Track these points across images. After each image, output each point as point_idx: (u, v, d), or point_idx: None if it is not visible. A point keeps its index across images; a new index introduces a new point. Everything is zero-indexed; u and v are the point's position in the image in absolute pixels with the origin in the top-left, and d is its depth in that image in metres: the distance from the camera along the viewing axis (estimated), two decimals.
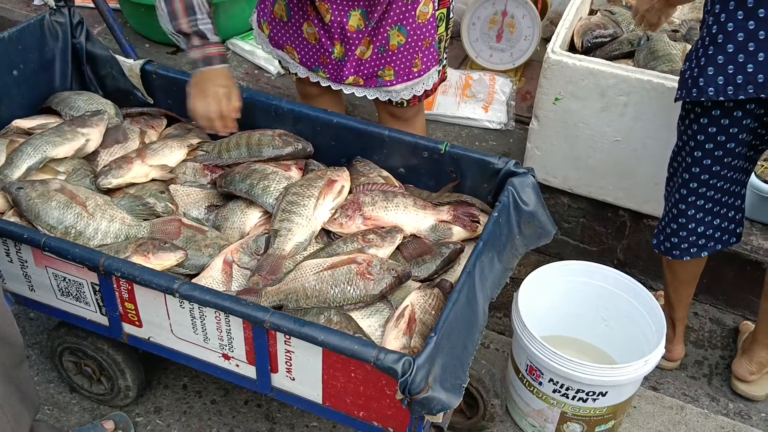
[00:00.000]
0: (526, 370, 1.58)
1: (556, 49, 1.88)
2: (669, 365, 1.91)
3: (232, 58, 2.61)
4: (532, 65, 2.54)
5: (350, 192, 1.63)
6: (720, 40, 1.33)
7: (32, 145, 1.58)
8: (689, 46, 1.97)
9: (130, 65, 1.82)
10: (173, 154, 1.68)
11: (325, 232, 1.58)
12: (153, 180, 1.65)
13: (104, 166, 1.62)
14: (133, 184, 1.60)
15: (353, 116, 2.31)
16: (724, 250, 1.66)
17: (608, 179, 2.00)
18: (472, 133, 2.35)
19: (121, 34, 1.87)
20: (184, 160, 1.70)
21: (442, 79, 1.92)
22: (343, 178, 1.62)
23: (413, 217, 1.57)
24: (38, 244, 1.34)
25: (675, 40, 2.01)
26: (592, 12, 2.28)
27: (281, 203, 1.56)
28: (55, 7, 1.82)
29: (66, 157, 1.62)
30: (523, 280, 1.64)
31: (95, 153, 1.69)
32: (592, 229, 2.17)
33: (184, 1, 1.55)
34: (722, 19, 1.33)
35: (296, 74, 1.86)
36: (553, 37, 1.93)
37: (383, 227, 1.54)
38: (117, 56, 1.85)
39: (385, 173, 1.69)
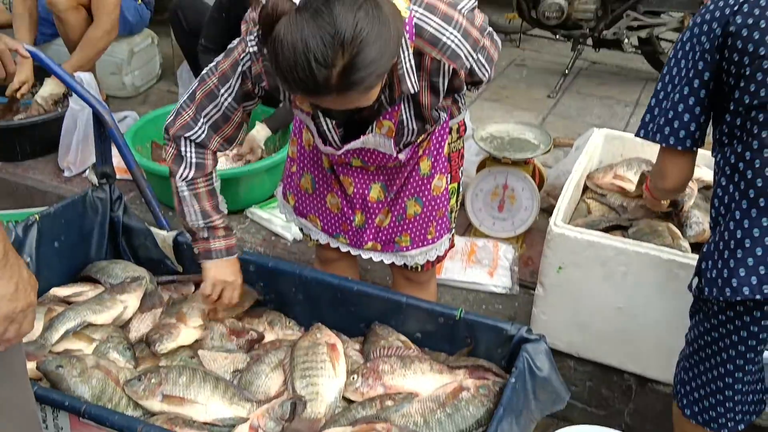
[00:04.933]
0: None
1: (558, 223, 2.04)
2: None
3: (250, 226, 2.76)
4: (533, 232, 2.70)
5: (368, 357, 1.71)
6: (748, 245, 1.44)
7: (74, 310, 1.69)
8: (671, 226, 2.13)
9: (164, 236, 1.96)
10: (203, 316, 1.77)
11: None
12: (181, 346, 1.74)
13: (155, 333, 1.70)
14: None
15: (366, 280, 2.44)
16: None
17: (612, 344, 2.09)
18: (478, 297, 2.47)
19: (157, 208, 2.03)
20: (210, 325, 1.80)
21: (451, 246, 2.06)
22: (333, 338, 1.73)
23: (431, 381, 1.64)
24: (78, 411, 1.40)
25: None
26: (585, 189, 2.46)
27: (295, 372, 1.64)
28: (97, 184, 1.99)
29: (103, 324, 1.71)
30: None
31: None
32: (599, 393, 2.23)
33: (214, 203, 1.73)
34: (746, 225, 1.45)
35: (317, 240, 2.00)
36: (555, 211, 2.09)
37: (400, 393, 1.61)
38: (151, 227, 1.99)
39: (403, 338, 1.78)
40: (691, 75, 1.53)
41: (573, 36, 4.09)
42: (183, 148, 1.66)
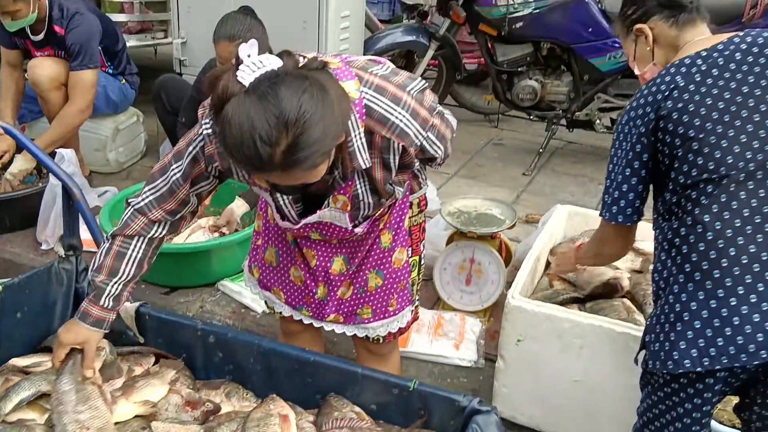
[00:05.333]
0: None
1: (515, 296, 2.08)
2: None
3: (221, 298, 2.79)
4: (500, 306, 2.71)
5: (321, 429, 1.71)
6: (686, 318, 1.48)
7: (30, 380, 1.69)
8: (626, 301, 2.17)
9: (126, 308, 1.98)
10: (156, 390, 1.78)
11: None
12: (136, 416, 1.74)
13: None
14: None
15: (331, 352, 2.45)
16: None
17: (572, 418, 2.09)
18: (443, 370, 2.47)
19: None
20: (166, 396, 1.80)
21: (415, 318, 2.09)
22: (286, 409, 1.73)
23: None
24: None
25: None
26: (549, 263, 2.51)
27: None
28: (63, 255, 2.03)
29: None
30: None
31: None
32: None
33: (113, 264, 1.72)
34: (684, 299, 1.50)
35: (281, 313, 2.03)
36: (513, 284, 2.13)
37: None
38: None
39: (357, 409, 1.78)
40: (630, 157, 1.63)
41: (547, 117, 4.23)
42: (126, 211, 1.72)
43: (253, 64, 1.30)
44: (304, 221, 1.70)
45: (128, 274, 1.73)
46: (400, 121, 1.54)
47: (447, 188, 3.93)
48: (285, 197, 1.66)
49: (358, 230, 1.75)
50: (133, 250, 1.73)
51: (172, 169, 1.66)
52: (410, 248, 1.95)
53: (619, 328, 1.94)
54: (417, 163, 1.74)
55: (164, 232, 1.75)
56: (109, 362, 1.87)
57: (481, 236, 2.65)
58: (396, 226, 1.89)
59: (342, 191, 1.64)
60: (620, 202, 1.68)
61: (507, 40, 3.99)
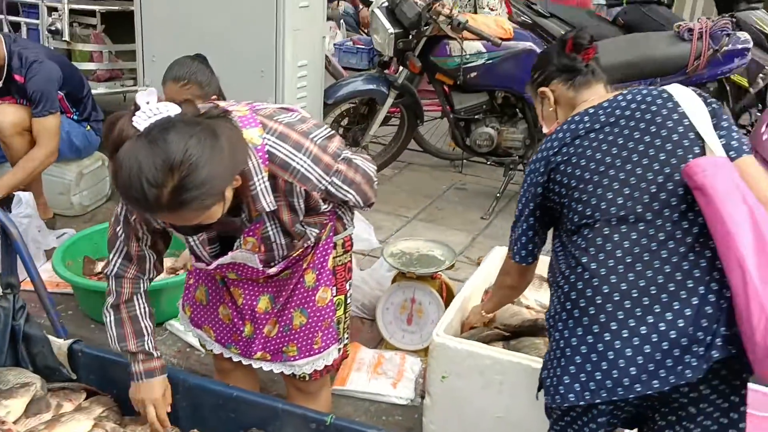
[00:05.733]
0: None
1: (440, 333, 2.15)
2: None
3: (167, 338, 2.85)
4: None
5: None
6: (569, 353, 1.57)
7: None
8: (547, 339, 2.25)
9: (60, 345, 2.05)
10: (80, 425, 1.83)
11: None
12: None
13: None
14: None
15: (269, 391, 2.50)
16: None
17: None
18: (380, 408, 2.53)
19: (56, 317, 2.13)
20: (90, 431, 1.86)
21: (344, 356, 2.15)
22: None
23: None
24: None
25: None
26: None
27: None
28: (1, 294, 2.10)
29: None
30: None
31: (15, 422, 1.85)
32: None
33: (134, 328, 1.85)
34: (566, 335, 1.59)
35: (212, 350, 2.09)
36: (440, 322, 2.21)
37: None
38: (49, 336, 2.08)
39: None
40: (531, 206, 1.79)
41: (504, 162, 4.35)
42: (108, 282, 1.84)
43: (150, 110, 1.40)
44: (216, 262, 1.78)
45: (150, 327, 1.87)
46: (301, 166, 1.64)
47: (405, 231, 4.02)
48: (196, 239, 1.75)
49: (271, 271, 1.83)
50: (140, 308, 1.87)
51: (118, 232, 1.78)
52: (335, 287, 2.02)
53: (535, 364, 2.01)
54: (328, 206, 1.82)
55: (149, 282, 1.88)
56: (38, 397, 1.92)
57: (422, 277, 2.73)
58: (320, 265, 1.97)
59: (250, 233, 1.73)
60: (517, 243, 1.85)
61: (463, 89, 4.13)
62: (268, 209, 1.65)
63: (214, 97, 2.51)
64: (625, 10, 4.83)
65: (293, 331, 1.98)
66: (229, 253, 1.76)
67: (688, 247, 1.54)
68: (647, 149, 1.63)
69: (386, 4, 4.05)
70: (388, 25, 3.91)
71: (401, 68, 4.12)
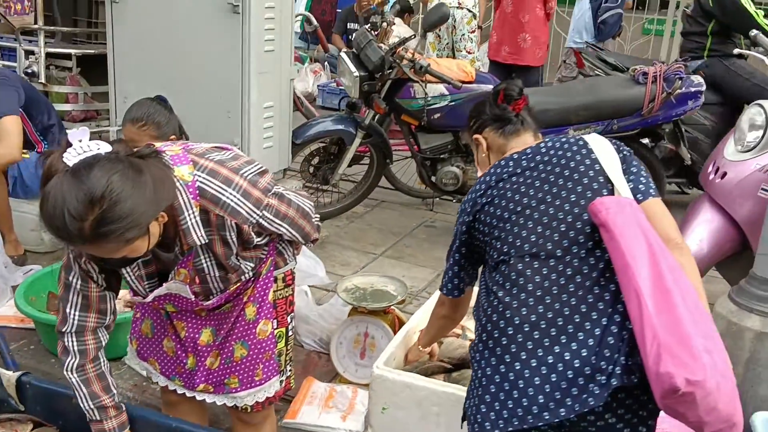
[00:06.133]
0: None
1: (380, 365, 2.22)
2: None
3: (125, 372, 2.90)
4: None
5: None
6: (484, 383, 1.65)
7: None
8: None
9: (9, 377, 2.11)
10: None
11: None
12: None
13: None
14: None
15: (220, 424, 2.56)
16: None
17: None
18: None
19: (5, 350, 2.20)
20: None
21: (287, 388, 2.21)
22: None
23: None
24: None
25: None
26: None
27: None
28: None
29: None
30: None
31: None
32: None
33: (102, 384, 1.90)
34: (483, 365, 1.67)
35: (158, 383, 2.16)
36: (381, 356, 2.27)
37: None
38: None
39: None
40: (457, 244, 1.91)
41: None
42: (66, 341, 1.86)
43: (80, 148, 1.50)
44: (152, 294, 1.86)
45: (113, 381, 1.94)
46: (231, 200, 1.73)
47: (371, 267, 4.10)
48: (131, 273, 1.83)
49: (207, 303, 1.91)
50: (104, 363, 1.92)
51: (72, 281, 1.81)
52: (275, 320, 2.10)
53: None
54: (263, 240, 1.90)
55: (107, 334, 1.93)
56: None
57: (374, 311, 2.80)
58: (260, 299, 2.04)
59: (183, 265, 1.81)
60: (445, 277, 1.97)
61: (428, 130, 4.25)
62: (198, 243, 1.74)
63: (173, 137, 2.61)
64: (707, 63, 4.74)
65: (234, 363, 2.04)
66: (164, 285, 1.84)
67: (593, 281, 1.63)
68: (560, 191, 1.74)
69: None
70: (353, 68, 4.05)
71: (368, 109, 4.24)
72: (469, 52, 7.04)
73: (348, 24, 8.49)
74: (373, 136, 4.35)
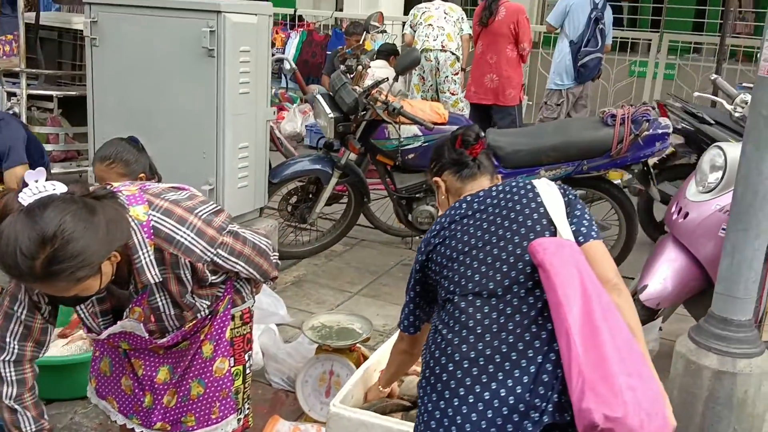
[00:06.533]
0: None
1: (336, 403, 2.24)
2: None
3: (90, 411, 2.91)
4: None
5: None
6: (426, 418, 1.70)
7: None
8: None
9: None
10: None
11: None
12: None
13: None
14: None
15: None
16: None
17: None
18: None
19: None
20: None
21: (245, 426, 2.23)
22: None
23: None
24: None
25: None
26: None
27: None
28: None
29: None
30: None
31: None
32: None
33: (38, 411, 1.89)
34: (426, 401, 1.72)
35: (116, 421, 2.17)
36: (338, 393, 2.30)
37: None
38: None
39: None
40: (412, 282, 1.97)
41: None
42: (3, 370, 1.86)
43: (36, 188, 1.55)
44: (107, 332, 1.89)
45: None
46: (185, 239, 1.78)
47: (346, 306, 4.13)
48: (85, 311, 1.86)
49: (163, 340, 1.94)
50: (38, 390, 1.92)
51: (16, 311, 1.83)
52: (233, 358, 2.13)
53: None
54: (218, 278, 1.95)
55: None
56: None
57: (339, 349, 2.83)
58: (217, 336, 2.08)
59: (137, 303, 1.85)
60: (403, 314, 2.02)
61: (403, 169, 4.33)
62: (152, 281, 1.78)
63: (143, 175, 2.66)
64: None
65: (191, 402, 2.07)
66: (118, 323, 1.88)
67: (531, 319, 1.68)
68: (506, 233, 1.80)
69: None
70: (328, 110, 4.13)
71: (345, 149, 4.32)
72: (452, 93, 7.19)
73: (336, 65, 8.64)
74: (350, 175, 4.43)
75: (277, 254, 2.14)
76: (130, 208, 1.75)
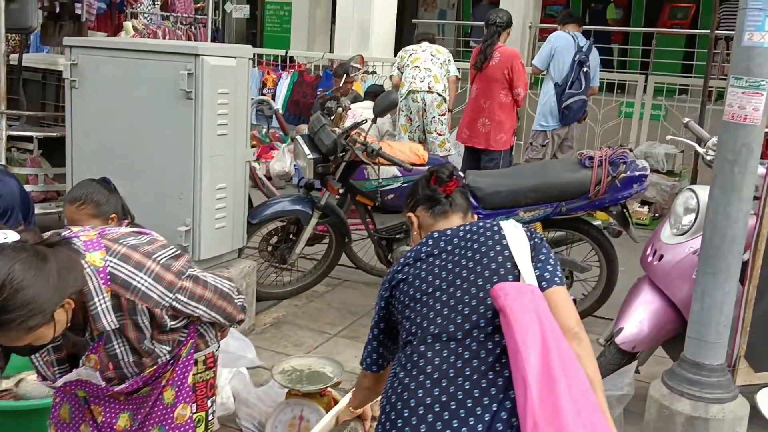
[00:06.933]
0: None
1: None
2: None
3: None
4: None
5: None
6: None
7: None
8: None
9: None
10: None
11: None
12: None
13: None
14: None
15: None
16: None
17: None
18: None
19: None
20: None
21: None
22: None
23: None
24: None
25: None
26: None
27: None
28: None
29: None
30: None
31: None
32: None
33: None
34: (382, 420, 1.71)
35: None
36: (313, 430, 2.26)
37: None
38: None
39: None
40: (376, 319, 1.97)
41: None
42: None
43: None
44: (62, 380, 1.86)
45: None
46: (142, 284, 1.76)
47: (324, 348, 4.09)
48: (40, 359, 1.84)
49: (121, 387, 1.91)
50: None
51: None
52: (195, 404, 2.09)
53: None
54: (178, 323, 1.92)
55: None
56: None
57: (309, 394, 2.79)
58: (179, 382, 2.05)
59: (93, 350, 1.82)
60: (365, 352, 2.02)
61: (383, 210, 4.33)
62: (108, 328, 1.76)
63: (114, 216, 2.65)
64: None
65: None
66: (74, 371, 1.85)
67: (488, 366, 1.66)
68: (469, 275, 1.79)
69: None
70: (307, 151, 4.16)
71: (325, 190, 4.33)
72: (439, 134, 7.23)
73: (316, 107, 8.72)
74: (330, 216, 4.43)
75: (243, 297, 2.12)
76: (87, 254, 1.74)
